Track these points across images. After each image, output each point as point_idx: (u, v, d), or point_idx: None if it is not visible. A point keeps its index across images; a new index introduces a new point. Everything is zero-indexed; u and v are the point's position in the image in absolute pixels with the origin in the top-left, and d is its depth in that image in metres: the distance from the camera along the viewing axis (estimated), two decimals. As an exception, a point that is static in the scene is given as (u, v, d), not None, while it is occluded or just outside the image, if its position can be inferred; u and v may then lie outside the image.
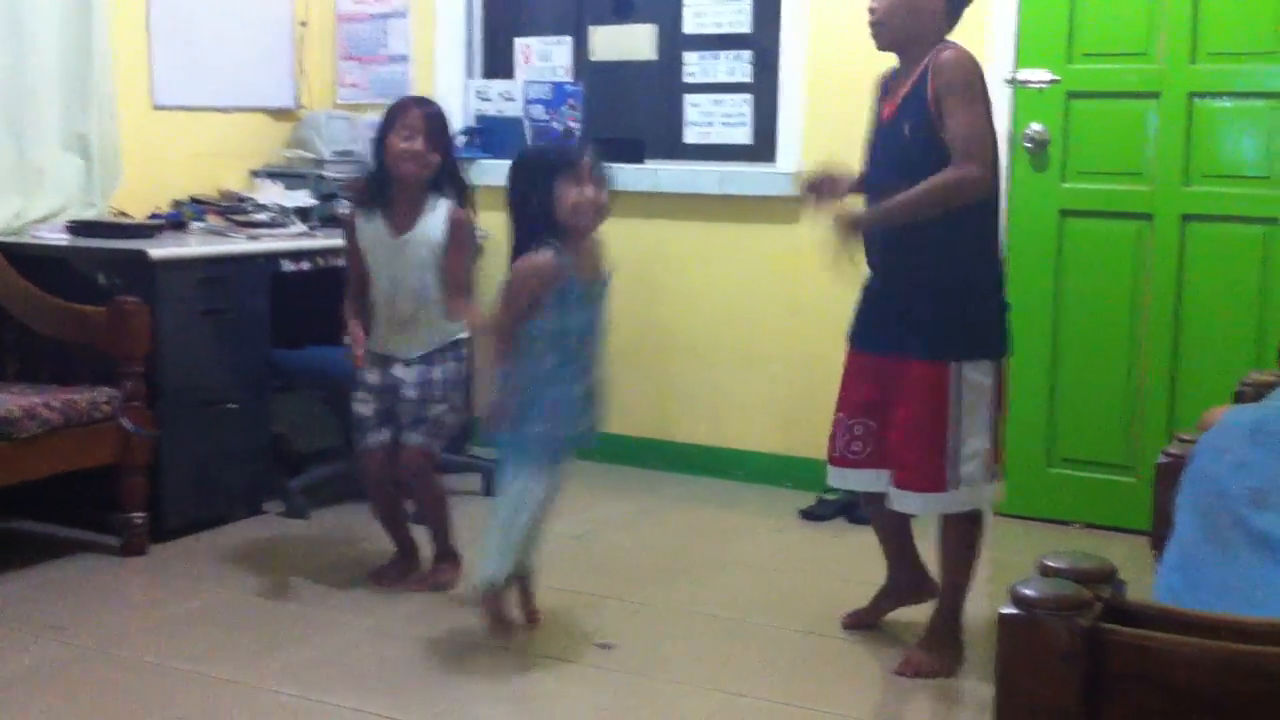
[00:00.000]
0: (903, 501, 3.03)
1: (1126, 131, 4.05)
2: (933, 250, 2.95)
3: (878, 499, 3.14)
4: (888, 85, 3.09)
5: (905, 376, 2.99)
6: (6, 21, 4.06)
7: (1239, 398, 2.50)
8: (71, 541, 3.84)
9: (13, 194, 4.13)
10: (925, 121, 2.91)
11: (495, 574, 3.08)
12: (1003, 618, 1.36)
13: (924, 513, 3.05)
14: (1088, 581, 1.41)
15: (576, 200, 3.01)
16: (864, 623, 3.28)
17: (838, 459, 3.13)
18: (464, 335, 3.51)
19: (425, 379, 3.45)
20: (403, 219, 3.42)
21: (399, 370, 3.45)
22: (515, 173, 3.11)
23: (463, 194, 3.51)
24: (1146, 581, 1.98)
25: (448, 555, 3.60)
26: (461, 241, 3.46)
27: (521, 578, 3.22)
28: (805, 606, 3.34)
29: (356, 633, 3.25)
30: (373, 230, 3.44)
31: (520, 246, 3.06)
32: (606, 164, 3.11)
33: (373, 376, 3.47)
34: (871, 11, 3.02)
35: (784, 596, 3.53)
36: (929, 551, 3.17)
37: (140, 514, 3.74)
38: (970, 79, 2.91)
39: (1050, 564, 1.44)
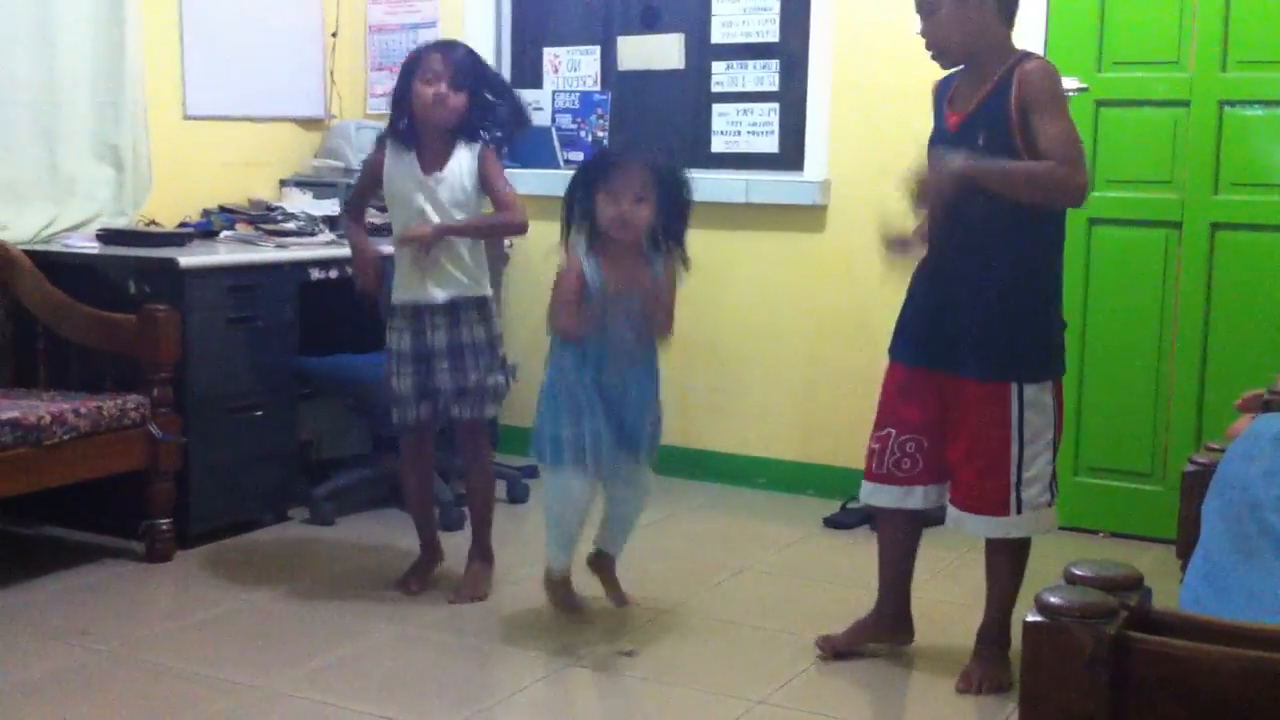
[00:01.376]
0: (964, 524, 2.98)
1: (1156, 140, 4.03)
2: (1005, 265, 2.89)
3: (899, 516, 3.10)
4: (949, 93, 3.00)
5: (965, 395, 2.93)
6: (39, 32, 4.10)
7: (1268, 406, 2.48)
8: (98, 547, 3.86)
9: (45, 203, 4.17)
10: (1004, 131, 2.84)
11: (552, 563, 3.27)
12: (1028, 625, 1.36)
13: (986, 536, 2.98)
14: (1114, 589, 1.40)
15: (611, 214, 3.09)
16: (840, 651, 3.14)
17: (883, 475, 3.05)
18: (488, 294, 3.50)
19: (456, 344, 3.42)
20: (432, 160, 3.39)
21: (430, 336, 3.39)
22: (577, 173, 3.24)
23: (512, 124, 3.48)
24: (1173, 590, 1.97)
25: (484, 554, 3.59)
26: (492, 173, 3.43)
27: (600, 564, 3.39)
28: (828, 614, 3.33)
29: (381, 639, 3.26)
30: (403, 166, 3.40)
31: (566, 245, 3.18)
32: (671, 174, 3.18)
33: (404, 341, 3.41)
34: (925, 38, 2.94)
35: (807, 604, 3.52)
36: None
37: (167, 520, 3.76)
38: (1059, 90, 2.88)
39: (1076, 572, 1.44)
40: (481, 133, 3.42)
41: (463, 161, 3.40)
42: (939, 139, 2.97)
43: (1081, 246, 4.12)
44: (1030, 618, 1.37)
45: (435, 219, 3.38)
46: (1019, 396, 2.89)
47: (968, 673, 2.99)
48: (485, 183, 3.43)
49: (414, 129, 3.39)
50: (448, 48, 3.44)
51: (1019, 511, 2.92)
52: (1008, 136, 2.84)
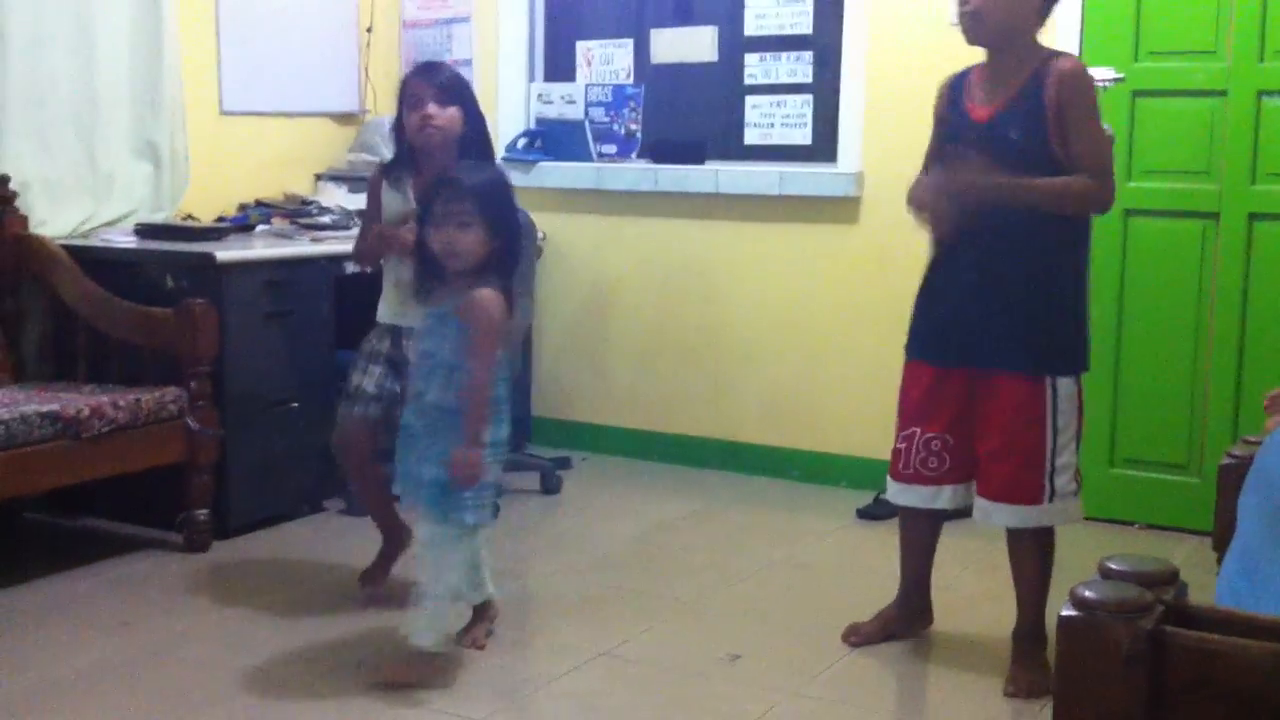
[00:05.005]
0: (996, 515, 2.97)
1: (1193, 130, 4.00)
2: (1035, 260, 2.89)
3: (923, 515, 3.12)
4: (965, 88, 2.98)
5: (997, 390, 2.93)
6: (78, 30, 4.14)
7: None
8: (137, 539, 3.90)
9: (84, 199, 4.21)
10: (1040, 129, 2.83)
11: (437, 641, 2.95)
12: (1063, 620, 1.35)
13: (1018, 526, 2.97)
14: (1150, 584, 1.40)
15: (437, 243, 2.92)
16: (870, 640, 3.18)
17: (910, 475, 3.06)
18: None
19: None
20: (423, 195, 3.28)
21: (406, 347, 3.32)
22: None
23: (489, 153, 3.41)
24: (1208, 583, 1.97)
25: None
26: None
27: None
28: (862, 606, 3.33)
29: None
30: (394, 198, 3.35)
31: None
32: (465, 199, 2.87)
33: (382, 346, 3.36)
34: (965, 2, 2.89)
35: (841, 596, 3.52)
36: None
37: (204, 512, 3.80)
38: (1095, 96, 2.89)
39: (1111, 566, 1.43)
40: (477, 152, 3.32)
41: None
42: (963, 133, 2.95)
43: (1118, 238, 4.09)
44: (1065, 612, 1.37)
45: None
46: (1053, 389, 2.90)
47: (1014, 676, 2.95)
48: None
49: (414, 158, 3.34)
50: (429, 70, 3.38)
51: (1050, 500, 2.93)
52: (1043, 134, 2.83)
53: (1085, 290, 3.01)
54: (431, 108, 3.25)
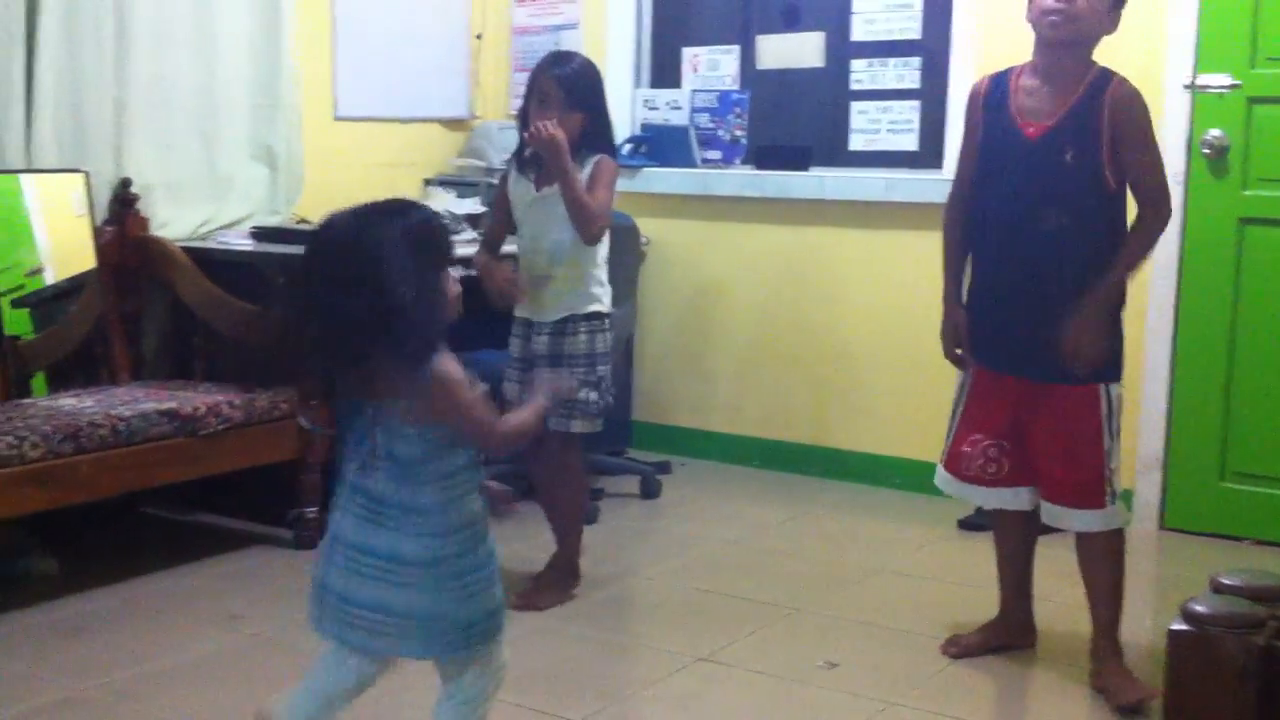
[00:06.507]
0: (1067, 519, 2.97)
1: (1311, 138, 3.92)
2: (1090, 272, 2.88)
3: (1011, 518, 3.10)
4: (1009, 98, 2.93)
5: (1052, 398, 2.94)
6: (200, 39, 4.25)
7: None
8: (248, 534, 3.99)
9: (204, 202, 4.32)
10: (1094, 151, 2.82)
11: None
12: (1173, 634, 1.35)
13: (1089, 529, 2.96)
14: (1263, 599, 1.38)
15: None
16: (970, 653, 3.15)
17: (973, 477, 3.09)
18: (604, 309, 3.41)
19: (557, 354, 3.36)
20: (548, 175, 3.33)
21: (535, 343, 3.39)
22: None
23: (609, 147, 3.42)
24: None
25: (564, 567, 3.51)
26: (597, 176, 3.31)
27: None
28: (961, 617, 3.30)
29: (518, 630, 3.29)
30: (520, 187, 3.40)
31: None
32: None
33: (515, 347, 3.44)
34: (1069, 2, 2.81)
35: (941, 606, 3.50)
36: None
37: (314, 509, 3.87)
38: (1149, 118, 2.88)
39: (1224, 581, 1.42)
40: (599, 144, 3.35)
41: (581, 175, 3.32)
42: (1011, 149, 2.91)
43: (1232, 247, 4.02)
44: (1176, 626, 1.36)
45: (541, 235, 3.35)
46: (1107, 395, 2.93)
47: (1117, 688, 2.83)
48: (588, 186, 3.31)
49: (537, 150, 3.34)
50: (558, 63, 3.35)
51: (1114, 503, 2.95)
52: (1096, 157, 2.82)
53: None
54: (556, 110, 3.25)
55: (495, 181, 4.78)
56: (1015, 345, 2.98)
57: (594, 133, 3.35)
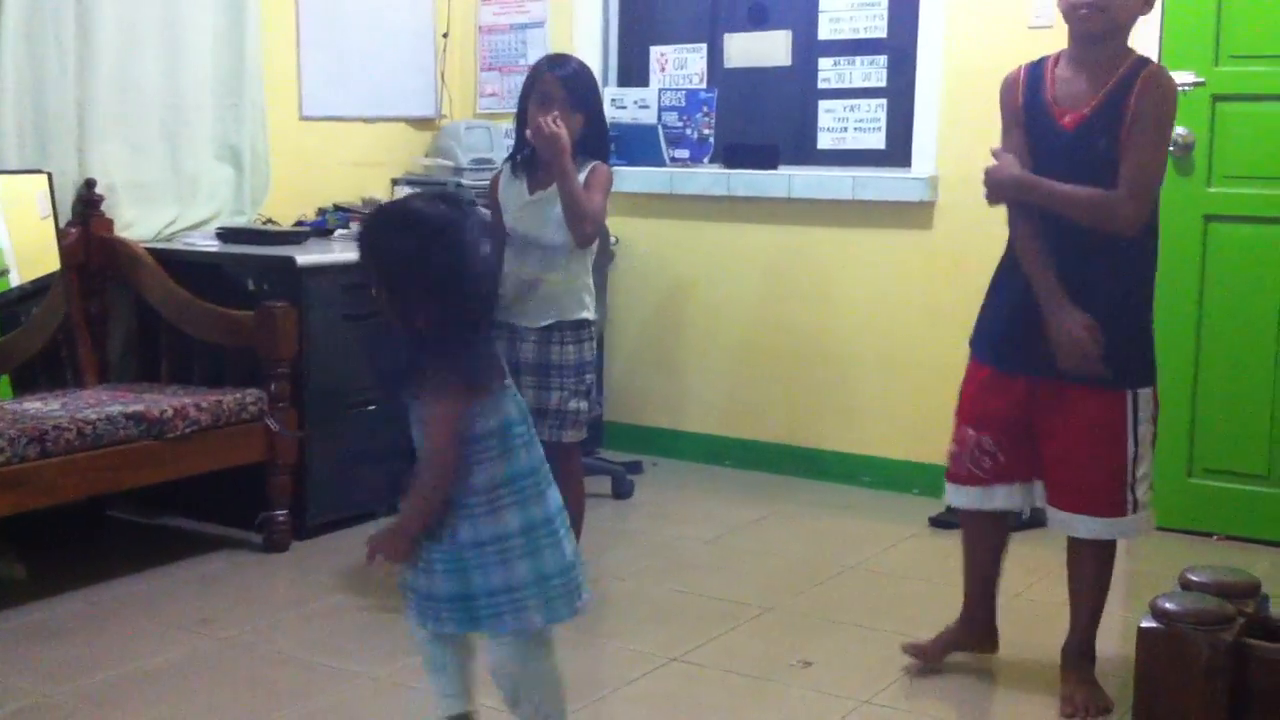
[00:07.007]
0: (1078, 526, 2.91)
1: (1274, 135, 3.94)
2: (1118, 273, 2.84)
3: (981, 519, 3.05)
4: (1045, 86, 2.88)
5: (1070, 400, 2.87)
6: (164, 38, 4.22)
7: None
8: (217, 537, 3.97)
9: (169, 203, 4.29)
10: (1119, 136, 2.77)
11: None
12: (1143, 631, 1.35)
13: (1103, 537, 2.92)
14: (1231, 596, 1.39)
15: None
16: (929, 657, 3.11)
17: (964, 476, 3.03)
18: (590, 317, 3.39)
19: (544, 363, 3.33)
20: (543, 178, 3.31)
21: (521, 349, 3.34)
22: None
23: (605, 152, 3.41)
24: (1292, 597, 1.94)
25: None
26: (593, 181, 3.31)
27: None
28: (934, 614, 3.31)
29: (491, 632, 3.30)
30: (513, 189, 3.38)
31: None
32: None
33: (499, 349, 3.41)
34: None
35: (913, 604, 3.51)
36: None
37: (284, 512, 3.86)
38: (1169, 113, 2.83)
39: (1192, 578, 1.42)
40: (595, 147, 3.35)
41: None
42: (1049, 139, 2.86)
43: (1197, 244, 4.04)
44: (1145, 624, 1.37)
45: (531, 239, 3.32)
46: (1134, 401, 2.86)
47: (1069, 696, 2.90)
48: (584, 190, 3.30)
49: (533, 152, 3.32)
50: (559, 64, 3.35)
51: (1135, 511, 2.89)
52: (1120, 142, 2.78)
53: (1152, 300, 2.98)
54: (558, 110, 3.24)
55: (462, 181, 4.80)
56: (1034, 341, 2.88)
57: (592, 136, 3.35)
